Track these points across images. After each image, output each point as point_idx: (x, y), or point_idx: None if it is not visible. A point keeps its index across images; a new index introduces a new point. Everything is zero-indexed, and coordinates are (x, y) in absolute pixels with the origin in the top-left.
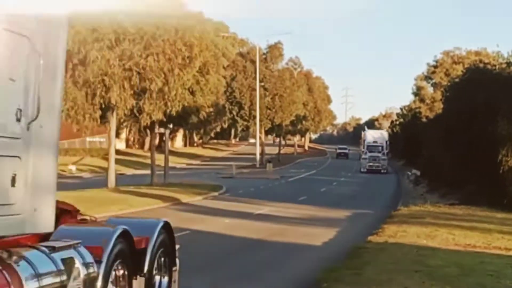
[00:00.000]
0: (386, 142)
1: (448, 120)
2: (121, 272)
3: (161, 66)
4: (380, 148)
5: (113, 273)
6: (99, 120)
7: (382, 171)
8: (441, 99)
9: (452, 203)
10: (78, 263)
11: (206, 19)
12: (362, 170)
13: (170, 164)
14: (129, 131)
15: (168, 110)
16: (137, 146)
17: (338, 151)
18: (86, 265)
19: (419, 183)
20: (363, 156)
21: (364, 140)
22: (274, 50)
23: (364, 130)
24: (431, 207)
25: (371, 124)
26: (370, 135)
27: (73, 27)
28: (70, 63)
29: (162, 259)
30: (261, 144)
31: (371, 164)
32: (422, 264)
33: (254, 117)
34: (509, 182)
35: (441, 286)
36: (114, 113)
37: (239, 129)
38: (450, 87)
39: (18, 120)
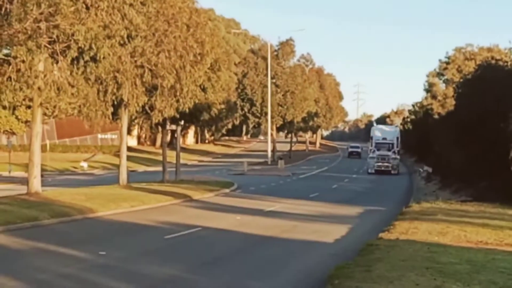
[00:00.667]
0: (398, 139)
1: (460, 117)
2: None
3: (172, 63)
4: (390, 145)
5: None
6: (110, 117)
7: (392, 171)
8: (453, 96)
9: (464, 200)
10: None
11: (218, 15)
12: (369, 171)
13: (182, 161)
14: (141, 128)
15: (179, 107)
16: (148, 143)
17: (350, 150)
18: None
19: (431, 179)
20: (371, 154)
21: (372, 137)
22: (286, 47)
23: (373, 125)
24: (442, 204)
25: (383, 120)
26: (379, 131)
27: (84, 24)
28: (81, 60)
29: None
30: (273, 141)
31: (379, 164)
32: (434, 261)
33: (266, 114)
34: None
35: (452, 283)
36: (126, 110)
37: (251, 126)
38: (462, 84)
39: None
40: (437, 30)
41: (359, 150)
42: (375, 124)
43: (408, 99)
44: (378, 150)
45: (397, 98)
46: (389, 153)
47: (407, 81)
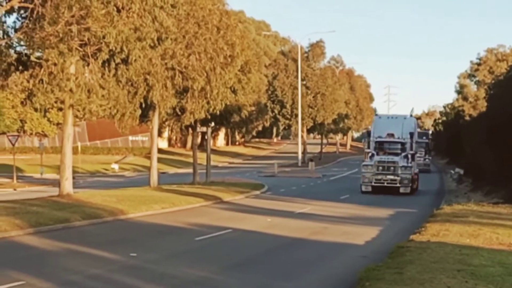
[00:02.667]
0: (413, 135)
1: (492, 118)
2: None
3: (203, 65)
4: (399, 146)
5: None
6: (141, 119)
7: (401, 189)
8: (484, 97)
9: (496, 202)
10: None
11: (248, 17)
12: (363, 189)
13: (212, 163)
14: (171, 130)
15: (210, 109)
16: (179, 145)
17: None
18: None
19: (463, 181)
20: (365, 161)
21: (369, 133)
22: (316, 49)
23: (375, 113)
24: (474, 206)
25: None
26: (382, 124)
27: (115, 26)
28: (112, 62)
29: None
30: (303, 143)
31: (379, 176)
32: (465, 263)
33: (296, 115)
34: None
35: (484, 285)
36: (156, 112)
37: (281, 127)
38: (494, 85)
39: None
40: (468, 31)
41: None
42: (377, 111)
43: (439, 100)
44: (378, 153)
45: (428, 99)
46: (397, 158)
47: (438, 83)
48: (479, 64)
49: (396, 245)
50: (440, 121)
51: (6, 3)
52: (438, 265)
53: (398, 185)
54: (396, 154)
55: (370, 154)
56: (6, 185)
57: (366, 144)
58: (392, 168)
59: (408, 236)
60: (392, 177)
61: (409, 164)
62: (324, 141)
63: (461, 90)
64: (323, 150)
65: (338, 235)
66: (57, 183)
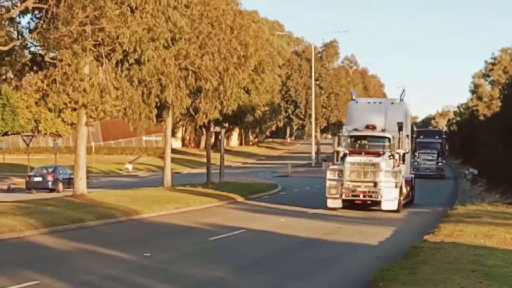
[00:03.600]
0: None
1: (506, 118)
2: None
3: (216, 65)
4: (383, 142)
5: None
6: (155, 119)
7: (384, 205)
8: (499, 97)
9: (510, 202)
10: None
11: (262, 17)
12: (329, 204)
13: (226, 163)
14: (185, 130)
15: (223, 109)
16: (192, 145)
17: None
18: None
19: (477, 182)
20: (333, 165)
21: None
22: (330, 49)
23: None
24: (488, 206)
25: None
26: (361, 110)
27: (129, 27)
28: (126, 63)
29: None
30: (317, 143)
31: (351, 187)
32: (479, 264)
33: (310, 115)
34: None
35: (498, 286)
36: (170, 112)
37: (295, 127)
38: (509, 85)
39: None
40: (482, 30)
41: None
42: (353, 94)
43: (453, 100)
44: (353, 152)
45: (442, 99)
46: (378, 159)
47: (452, 83)
48: (493, 64)
49: (410, 246)
50: (454, 121)
51: (21, 3)
52: (452, 266)
53: (379, 198)
54: (378, 154)
55: (341, 154)
56: (21, 184)
57: (336, 140)
58: (370, 173)
59: (422, 237)
60: (370, 186)
61: (395, 168)
62: None
63: (475, 90)
64: None
65: (352, 235)
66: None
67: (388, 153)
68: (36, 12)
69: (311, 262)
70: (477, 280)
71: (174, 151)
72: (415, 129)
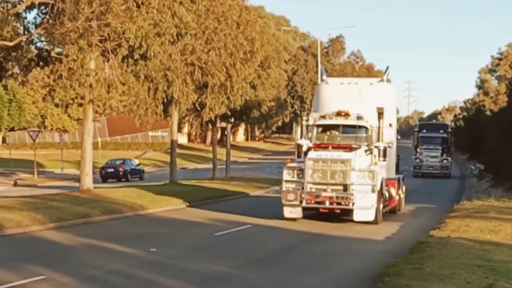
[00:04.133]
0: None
1: None
2: None
3: (222, 60)
4: (357, 133)
5: None
6: (161, 115)
7: (357, 214)
8: (505, 92)
9: None
10: None
11: (268, 13)
12: (286, 214)
13: (232, 158)
14: (191, 126)
15: (230, 105)
16: (199, 140)
17: None
18: None
19: (483, 177)
20: (290, 163)
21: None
22: (336, 44)
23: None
24: (495, 202)
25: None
26: (332, 92)
27: (135, 22)
28: (132, 58)
29: None
30: None
31: (314, 191)
32: (485, 259)
33: None
34: None
35: (505, 281)
36: (176, 108)
37: None
38: None
39: None
40: (488, 26)
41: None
42: (324, 77)
43: (460, 96)
44: (319, 146)
45: (449, 95)
46: (349, 155)
47: (458, 78)
48: (500, 59)
49: (416, 241)
50: (460, 116)
51: None
52: (458, 261)
53: (350, 205)
54: (350, 148)
55: (305, 149)
56: (27, 180)
57: (299, 131)
58: (339, 173)
59: (428, 232)
60: (339, 190)
61: (373, 167)
62: None
63: (481, 85)
64: None
65: (358, 231)
66: (77, 179)
67: (364, 147)
68: (42, 7)
69: (317, 257)
70: (484, 275)
71: (180, 146)
72: (417, 122)
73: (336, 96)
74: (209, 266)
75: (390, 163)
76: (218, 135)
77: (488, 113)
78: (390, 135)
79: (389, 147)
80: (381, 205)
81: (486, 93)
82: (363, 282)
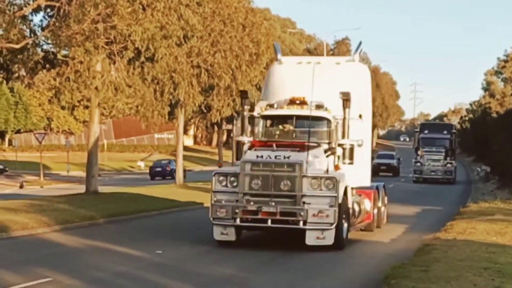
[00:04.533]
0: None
1: None
2: None
3: (228, 62)
4: (316, 127)
5: None
6: (167, 117)
7: (310, 237)
8: (511, 94)
9: None
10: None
11: (273, 15)
12: (217, 235)
13: None
14: (197, 128)
15: (236, 106)
16: (204, 142)
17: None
18: None
19: (489, 179)
20: (222, 168)
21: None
22: (342, 46)
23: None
24: (501, 204)
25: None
26: (287, 75)
27: (141, 24)
28: (138, 60)
29: None
30: None
31: (253, 204)
32: (492, 261)
33: None
34: None
35: (511, 283)
36: (182, 110)
37: None
38: None
39: None
40: (494, 28)
41: (393, 162)
42: (279, 56)
43: (466, 98)
44: (265, 145)
45: (455, 97)
46: (299, 156)
47: (464, 80)
48: (506, 61)
49: (422, 243)
50: (466, 118)
51: (33, 1)
52: (464, 263)
53: (300, 224)
54: (302, 148)
55: (246, 148)
56: (33, 182)
57: (239, 124)
58: (286, 181)
59: (434, 234)
60: (286, 203)
61: (334, 173)
62: None
63: (487, 87)
64: None
65: (364, 233)
66: (83, 181)
67: (324, 146)
68: (48, 10)
69: (323, 260)
70: (490, 278)
71: (186, 148)
72: (418, 122)
73: (292, 79)
74: (215, 268)
75: (363, 168)
76: (224, 137)
77: (494, 115)
78: (361, 130)
79: (359, 145)
80: (346, 224)
81: (492, 95)
82: (369, 285)
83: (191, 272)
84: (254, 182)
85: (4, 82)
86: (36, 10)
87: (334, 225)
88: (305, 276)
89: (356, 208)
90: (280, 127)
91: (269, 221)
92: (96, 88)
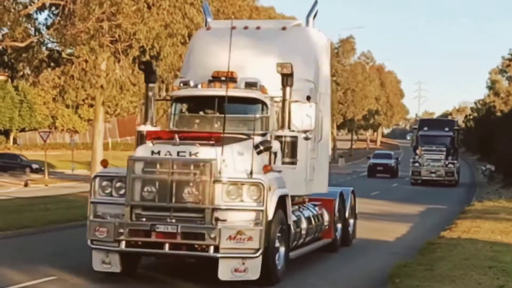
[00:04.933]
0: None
1: None
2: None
3: None
4: (252, 110)
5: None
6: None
7: (223, 272)
8: None
9: None
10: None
11: (278, 13)
12: (96, 265)
13: None
14: None
15: None
16: None
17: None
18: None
19: (494, 178)
20: (106, 169)
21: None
22: (346, 45)
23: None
24: (506, 203)
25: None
26: (217, 41)
27: (145, 23)
28: (143, 59)
29: None
30: (333, 139)
31: (147, 221)
32: (497, 260)
33: None
34: None
35: None
36: None
37: None
38: None
39: None
40: (499, 27)
41: (391, 162)
42: (208, 19)
43: (470, 96)
44: (156, 136)
45: (459, 96)
46: (212, 152)
47: (469, 79)
48: (510, 60)
49: (427, 242)
50: (471, 117)
51: (38, 0)
52: (469, 262)
53: (210, 252)
54: (218, 140)
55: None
56: (38, 180)
57: (143, 111)
58: (191, 188)
59: (438, 233)
60: (192, 220)
61: (259, 176)
62: (354, 137)
63: (492, 86)
64: (353, 147)
65: (368, 232)
66: (88, 179)
67: (257, 139)
68: (53, 8)
69: (327, 258)
70: (495, 277)
71: None
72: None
73: (220, 49)
74: None
75: (321, 168)
76: None
77: (498, 113)
78: (311, 119)
79: (306, 138)
80: (283, 248)
81: (496, 94)
82: (373, 283)
83: (202, 272)
84: (146, 190)
85: (9, 80)
86: (41, 9)
87: (260, 251)
88: (310, 276)
89: (303, 225)
90: (201, 113)
91: (167, 246)
92: (101, 86)
